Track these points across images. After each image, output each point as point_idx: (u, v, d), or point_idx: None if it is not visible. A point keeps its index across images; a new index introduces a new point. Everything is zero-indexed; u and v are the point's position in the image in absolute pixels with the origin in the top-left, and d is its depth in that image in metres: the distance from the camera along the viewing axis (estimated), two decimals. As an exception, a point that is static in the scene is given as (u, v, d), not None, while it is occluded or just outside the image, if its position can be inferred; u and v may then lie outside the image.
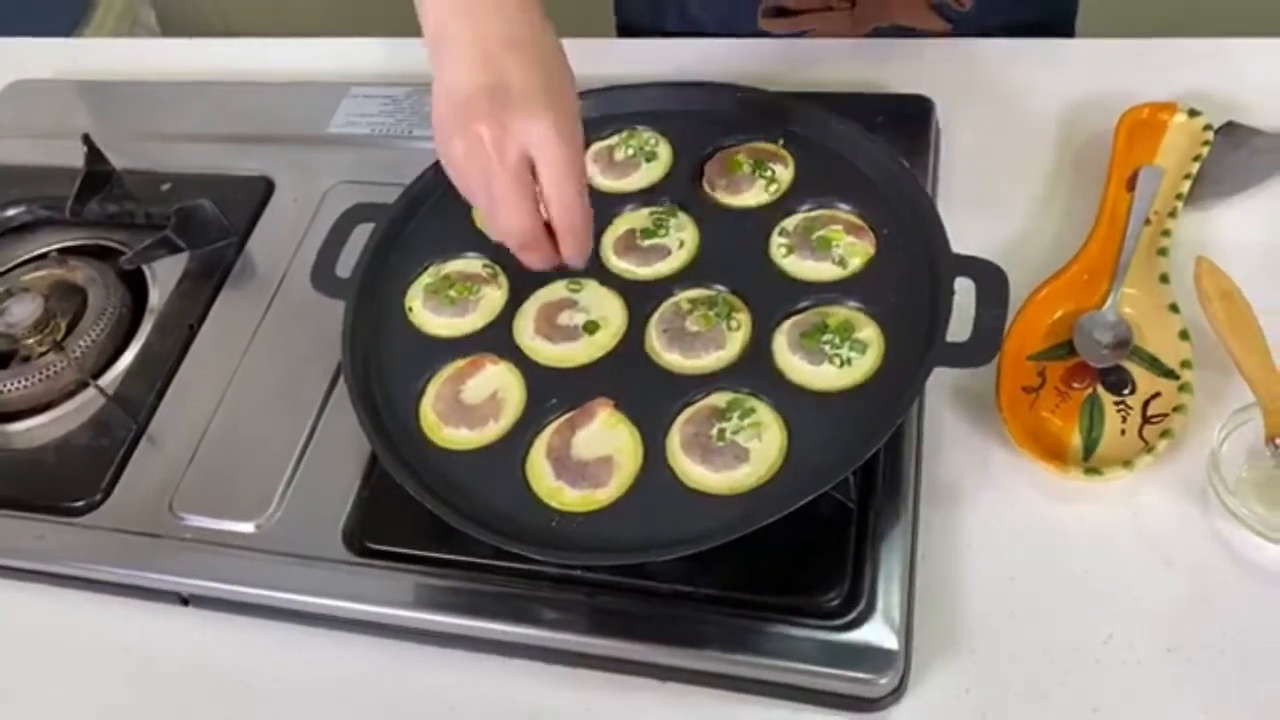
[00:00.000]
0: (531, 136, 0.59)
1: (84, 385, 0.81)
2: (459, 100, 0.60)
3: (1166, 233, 0.75)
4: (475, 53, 0.60)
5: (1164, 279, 0.73)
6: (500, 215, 0.61)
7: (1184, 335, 0.70)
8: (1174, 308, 0.71)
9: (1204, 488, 0.65)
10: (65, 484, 0.75)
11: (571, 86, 0.62)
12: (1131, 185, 0.78)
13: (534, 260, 0.64)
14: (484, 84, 0.59)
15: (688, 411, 0.65)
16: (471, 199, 0.63)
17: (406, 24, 0.67)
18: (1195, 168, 0.78)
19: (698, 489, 0.62)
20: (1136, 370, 0.70)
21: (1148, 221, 0.76)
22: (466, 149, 0.60)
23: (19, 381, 0.81)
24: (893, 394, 0.63)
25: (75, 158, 0.93)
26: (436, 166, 0.78)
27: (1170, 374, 0.69)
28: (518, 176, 0.59)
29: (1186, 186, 0.77)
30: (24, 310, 0.83)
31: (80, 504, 0.74)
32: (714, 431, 0.63)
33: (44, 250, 0.92)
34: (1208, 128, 0.80)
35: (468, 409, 0.67)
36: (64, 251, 0.91)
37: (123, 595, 0.72)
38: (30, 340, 0.83)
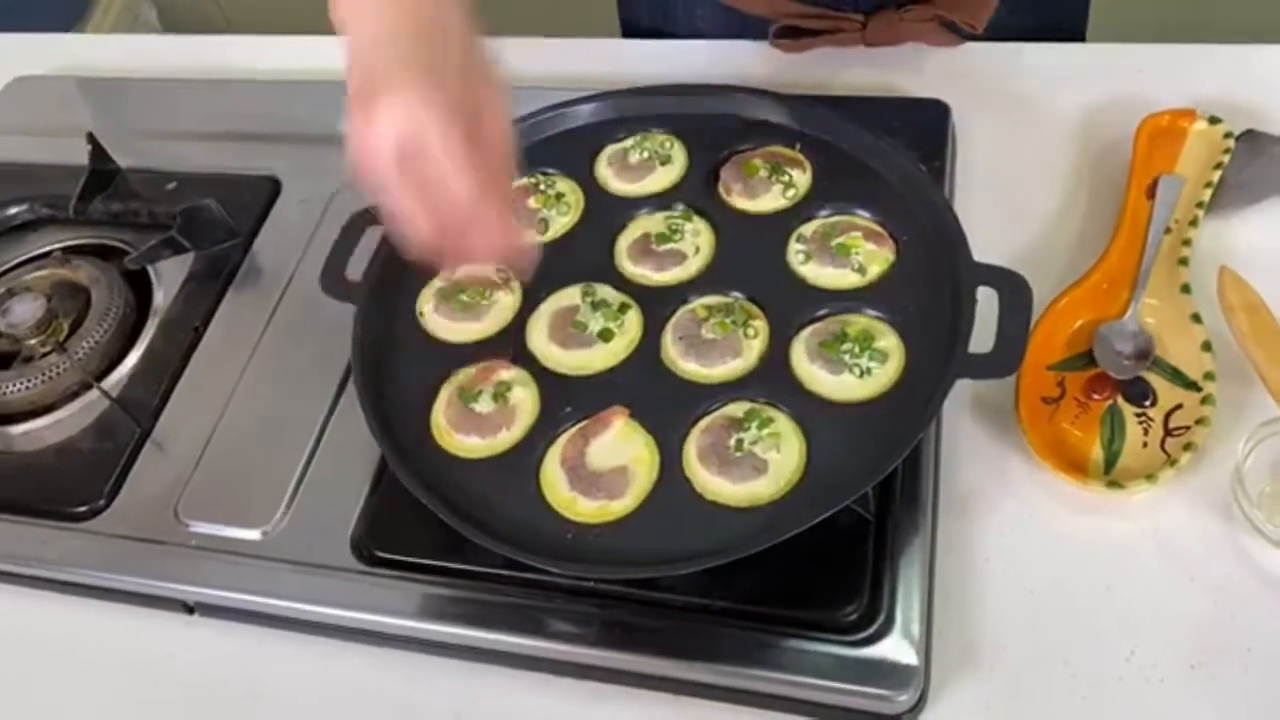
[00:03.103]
0: (396, 122, 0.51)
1: (87, 387, 0.79)
2: (347, 112, 0.54)
3: (1187, 242, 0.74)
4: (359, 55, 0.55)
5: (1185, 289, 0.72)
6: (388, 217, 0.55)
7: (1206, 347, 0.69)
8: (1196, 318, 0.70)
9: (1227, 502, 0.64)
10: (68, 488, 0.74)
11: (465, 55, 0.55)
12: (1151, 193, 0.77)
13: (452, 258, 0.57)
14: (361, 87, 0.53)
15: (704, 421, 0.64)
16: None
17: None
18: (1216, 176, 0.77)
19: (715, 501, 0.61)
20: (1158, 382, 0.69)
21: (1168, 230, 0.75)
22: (350, 156, 0.54)
23: (21, 383, 0.80)
24: (913, 405, 0.62)
25: (78, 156, 0.92)
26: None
27: (1192, 386, 0.68)
28: (390, 173, 0.53)
29: (1207, 195, 0.76)
30: (26, 310, 0.82)
31: (83, 509, 0.73)
32: (732, 442, 0.62)
33: (46, 249, 0.91)
34: (1228, 135, 0.79)
35: (480, 416, 0.66)
36: (67, 251, 0.90)
37: (127, 603, 0.71)
38: (32, 341, 0.82)
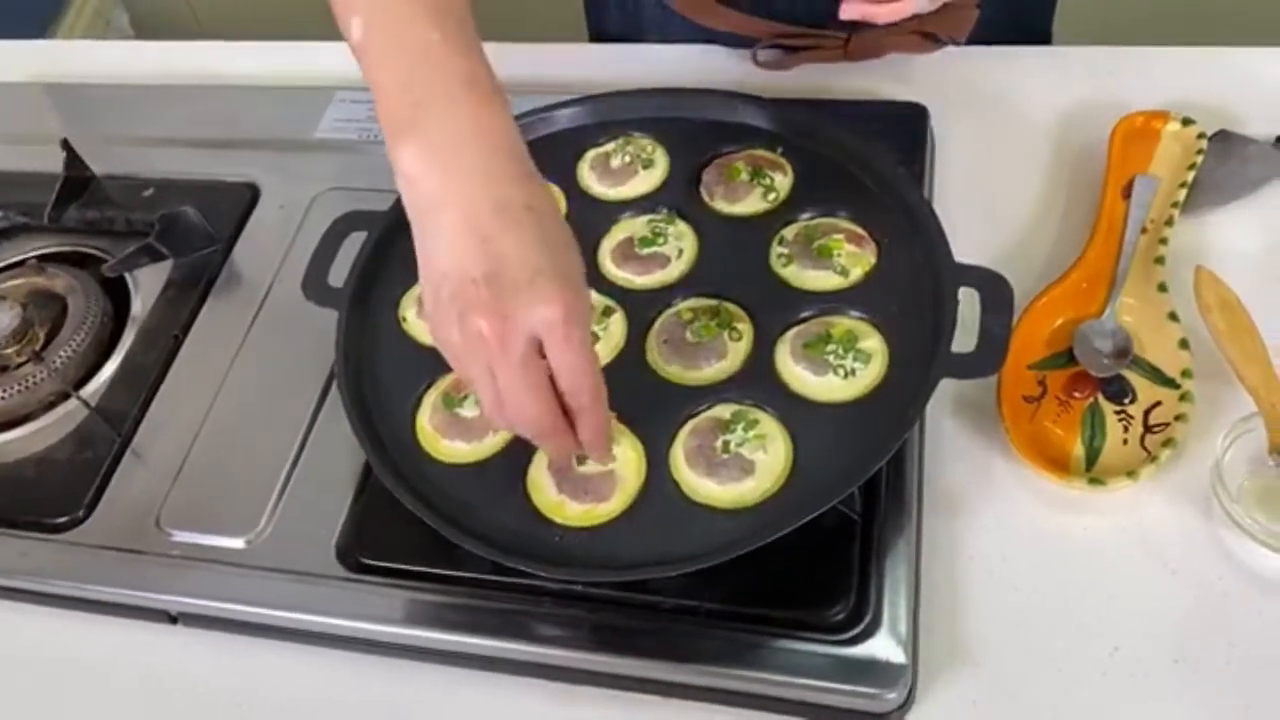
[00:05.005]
0: (538, 324, 0.53)
1: (65, 397, 0.79)
2: (453, 289, 0.54)
3: (1163, 241, 0.75)
4: (464, 228, 0.54)
5: (1162, 288, 0.73)
6: (510, 409, 0.55)
7: (1184, 344, 0.70)
8: (1173, 316, 0.71)
9: (1207, 497, 0.65)
10: (47, 499, 0.73)
11: (574, 252, 0.56)
12: (1127, 193, 0.78)
13: (553, 450, 0.60)
14: (480, 270, 0.53)
15: (691, 423, 0.64)
16: (473, 388, 0.57)
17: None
18: (1190, 176, 0.78)
19: (703, 502, 0.61)
20: (1137, 380, 0.70)
21: (1144, 230, 0.76)
22: (466, 342, 0.54)
23: (-3, 393, 0.79)
24: (898, 405, 0.62)
25: (53, 163, 0.91)
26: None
27: (1171, 383, 0.69)
28: (526, 367, 0.54)
29: (1182, 195, 0.77)
30: (1, 319, 0.81)
31: (63, 520, 0.72)
32: (718, 444, 0.62)
33: (21, 257, 0.90)
34: (1201, 136, 0.80)
35: (466, 421, 0.66)
36: (42, 259, 0.89)
37: (109, 614, 0.70)
38: (8, 350, 0.81)
